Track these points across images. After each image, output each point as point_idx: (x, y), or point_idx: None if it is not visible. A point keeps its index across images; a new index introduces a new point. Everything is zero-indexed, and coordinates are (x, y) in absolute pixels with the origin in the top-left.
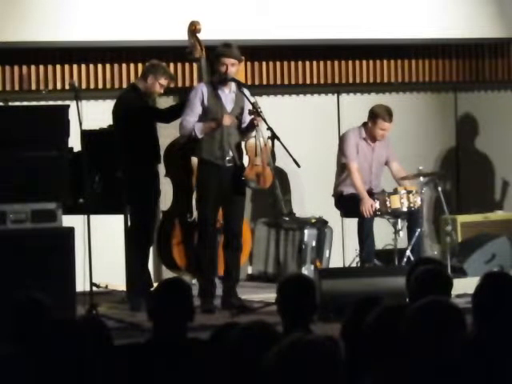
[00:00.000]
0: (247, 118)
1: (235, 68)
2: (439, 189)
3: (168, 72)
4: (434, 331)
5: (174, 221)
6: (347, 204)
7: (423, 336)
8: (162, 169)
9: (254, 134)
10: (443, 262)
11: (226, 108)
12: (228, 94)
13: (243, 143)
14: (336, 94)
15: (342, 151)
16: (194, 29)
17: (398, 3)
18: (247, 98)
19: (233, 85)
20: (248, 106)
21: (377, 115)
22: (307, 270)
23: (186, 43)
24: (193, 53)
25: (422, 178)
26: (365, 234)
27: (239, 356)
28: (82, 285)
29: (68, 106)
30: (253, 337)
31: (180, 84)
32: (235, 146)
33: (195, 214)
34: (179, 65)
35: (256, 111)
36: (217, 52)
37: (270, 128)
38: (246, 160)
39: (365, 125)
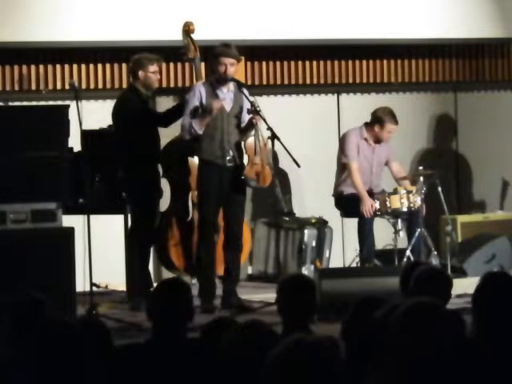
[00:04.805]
0: (246, 118)
1: (234, 68)
2: (439, 189)
3: (152, 57)
4: (420, 332)
5: (172, 221)
6: (347, 204)
7: (409, 337)
8: (159, 169)
9: (253, 132)
10: (434, 265)
11: (225, 107)
12: (226, 94)
13: (243, 142)
14: (336, 94)
15: (342, 151)
16: (187, 29)
17: (398, 3)
18: (246, 97)
19: (231, 84)
20: (247, 106)
21: (383, 119)
22: (307, 270)
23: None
24: (187, 53)
25: (421, 178)
26: (365, 234)
27: (235, 356)
28: (82, 285)
29: (68, 106)
30: (248, 337)
31: (180, 84)
32: (235, 145)
33: (192, 214)
34: (179, 64)
35: (255, 110)
36: (216, 52)
37: (270, 128)
38: (245, 159)
39: (366, 125)
